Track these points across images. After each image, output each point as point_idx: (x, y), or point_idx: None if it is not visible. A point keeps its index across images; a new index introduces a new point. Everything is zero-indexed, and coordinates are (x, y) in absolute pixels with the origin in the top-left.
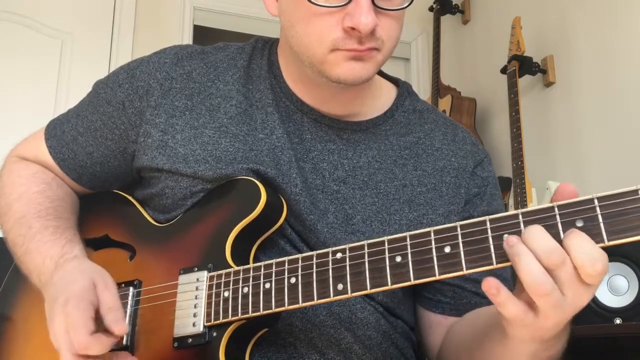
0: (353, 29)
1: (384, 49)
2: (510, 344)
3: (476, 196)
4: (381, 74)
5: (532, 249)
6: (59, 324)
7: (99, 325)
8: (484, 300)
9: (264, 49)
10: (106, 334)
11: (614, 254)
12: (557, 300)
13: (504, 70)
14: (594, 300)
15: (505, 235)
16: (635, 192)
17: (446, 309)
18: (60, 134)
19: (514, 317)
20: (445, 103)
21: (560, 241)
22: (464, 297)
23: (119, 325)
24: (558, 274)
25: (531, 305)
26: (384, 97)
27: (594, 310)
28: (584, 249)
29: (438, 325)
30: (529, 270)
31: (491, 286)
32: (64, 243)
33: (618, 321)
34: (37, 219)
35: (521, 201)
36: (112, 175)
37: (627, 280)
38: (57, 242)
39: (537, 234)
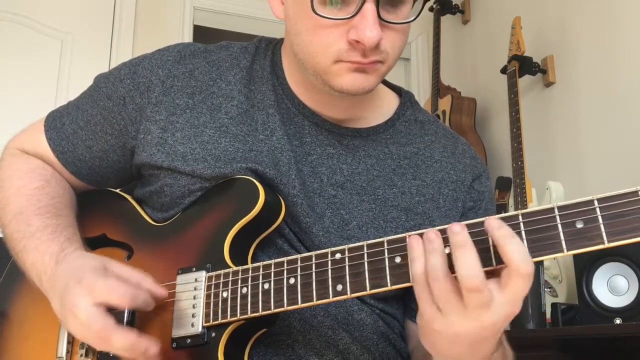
0: (358, 42)
1: (388, 60)
2: None
3: (471, 210)
4: (384, 82)
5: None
6: (83, 299)
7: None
8: None
9: (267, 49)
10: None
11: (614, 254)
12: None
13: (504, 70)
14: (594, 300)
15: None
16: (635, 193)
17: None
18: (60, 126)
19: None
20: (445, 103)
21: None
22: None
23: (158, 288)
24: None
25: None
26: (385, 105)
27: (594, 310)
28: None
29: (414, 335)
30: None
31: None
32: (62, 240)
33: (618, 321)
34: (36, 216)
35: (521, 201)
36: (111, 170)
37: (627, 280)
38: (56, 240)
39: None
